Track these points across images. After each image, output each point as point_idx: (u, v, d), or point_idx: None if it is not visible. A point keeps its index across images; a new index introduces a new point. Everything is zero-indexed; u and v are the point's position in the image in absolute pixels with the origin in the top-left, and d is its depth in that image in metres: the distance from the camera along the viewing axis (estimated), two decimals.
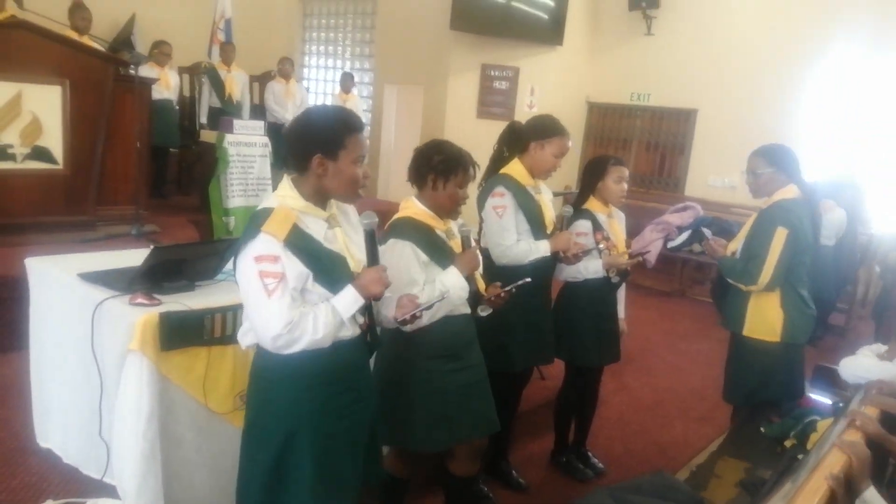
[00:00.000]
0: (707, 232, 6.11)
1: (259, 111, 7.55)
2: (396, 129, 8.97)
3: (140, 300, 2.25)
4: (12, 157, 4.43)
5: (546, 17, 8.18)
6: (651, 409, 4.31)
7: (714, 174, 8.19)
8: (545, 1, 8.11)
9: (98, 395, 2.33)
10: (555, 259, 2.95)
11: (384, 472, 2.18)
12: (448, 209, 2.31)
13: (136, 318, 2.14)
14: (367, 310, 1.89)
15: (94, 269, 2.51)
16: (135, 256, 2.45)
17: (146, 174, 5.33)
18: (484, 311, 2.40)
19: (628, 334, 3.92)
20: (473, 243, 2.38)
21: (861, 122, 7.12)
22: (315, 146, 1.78)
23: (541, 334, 3.02)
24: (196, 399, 2.28)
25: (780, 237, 2.84)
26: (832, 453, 1.75)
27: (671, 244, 6.50)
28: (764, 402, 3.02)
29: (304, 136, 1.82)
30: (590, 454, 3.50)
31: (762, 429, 2.79)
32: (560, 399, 3.37)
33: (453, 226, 2.36)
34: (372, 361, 2.11)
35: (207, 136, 6.34)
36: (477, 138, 3.18)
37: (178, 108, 6.90)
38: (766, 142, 3.17)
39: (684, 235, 6.52)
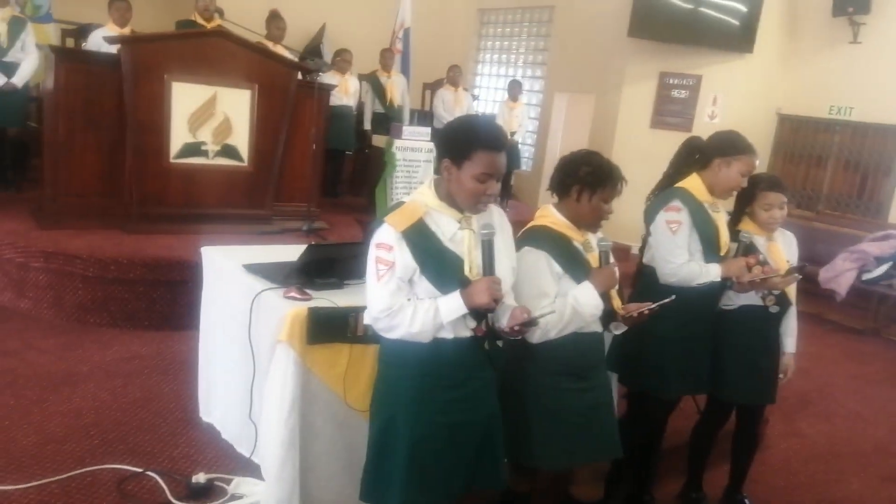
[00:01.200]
0: None
1: (424, 117, 7.77)
2: (563, 138, 8.82)
3: (293, 294, 2.36)
4: (205, 154, 4.89)
5: (736, 22, 7.64)
6: (824, 461, 3.81)
7: None
8: (736, 6, 7.58)
9: (251, 378, 2.49)
10: (724, 285, 2.72)
11: (503, 483, 2.12)
12: (589, 222, 2.21)
13: (287, 310, 2.25)
14: (483, 316, 1.87)
15: (260, 261, 2.69)
16: (298, 251, 2.59)
17: (320, 175, 5.66)
18: (617, 329, 2.26)
19: (805, 374, 3.52)
20: (612, 259, 2.24)
21: None
22: (445, 150, 1.86)
23: (699, 363, 2.80)
24: (336, 393, 2.35)
25: None
26: None
27: (867, 276, 5.80)
28: None
29: (444, 138, 1.92)
30: (746, 501, 3.17)
31: None
32: (694, 431, 3.11)
33: (592, 239, 2.24)
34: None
35: (378, 140, 6.64)
36: (649, 148, 3.03)
37: (356, 113, 7.28)
38: None
39: (884, 267, 5.80)
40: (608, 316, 2.23)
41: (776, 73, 8.21)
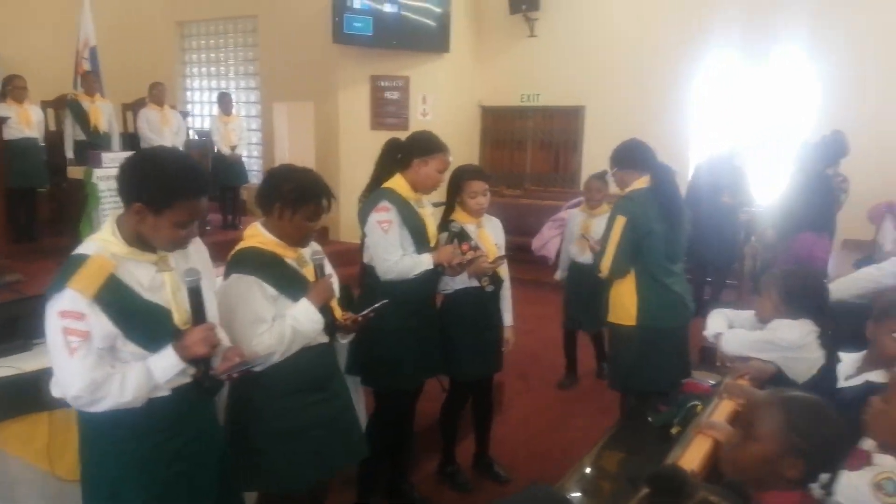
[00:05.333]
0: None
1: (134, 141, 7.15)
2: (290, 147, 8.74)
3: None
4: None
5: (433, 24, 8.19)
6: (555, 407, 4.33)
7: (606, 167, 8.40)
8: (431, 8, 8.12)
9: None
10: (437, 272, 2.92)
11: None
12: (295, 240, 2.16)
13: None
14: (202, 361, 1.75)
15: None
16: None
17: (2, 220, 4.91)
18: (344, 339, 2.31)
19: (531, 333, 3.99)
20: (329, 271, 2.27)
21: (738, 112, 7.50)
22: (138, 194, 1.65)
23: (431, 348, 2.98)
24: (42, 470, 2.07)
25: (619, 225, 3.03)
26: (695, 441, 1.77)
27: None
28: (650, 390, 3.07)
29: (136, 180, 1.68)
30: (493, 464, 3.47)
31: (650, 419, 2.81)
32: (442, 410, 3.32)
33: (306, 252, 2.22)
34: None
35: (75, 172, 5.93)
36: (373, 150, 3.15)
37: (43, 145, 6.44)
38: (651, 133, 3.33)
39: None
40: (333, 326, 2.25)
41: (473, 69, 9.02)
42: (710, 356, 3.23)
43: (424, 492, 3.22)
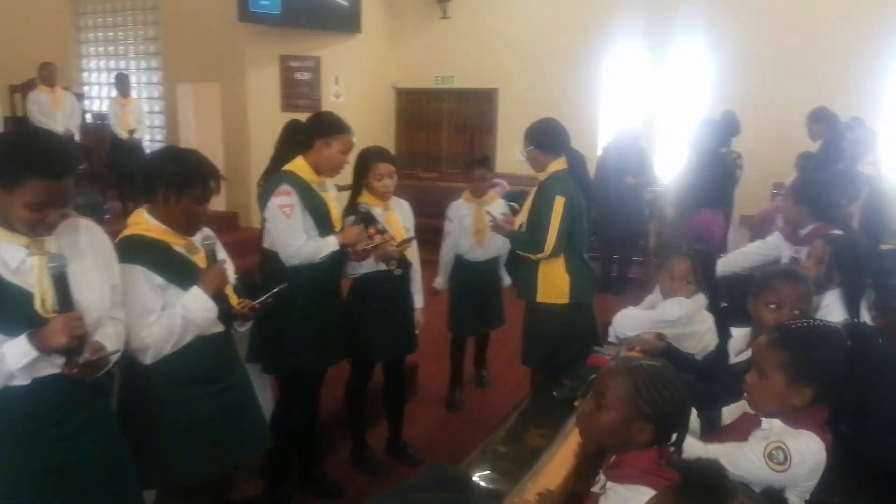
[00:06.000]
0: (514, 205, 6.36)
1: (20, 124, 6.70)
2: (196, 130, 8.39)
3: None
4: None
5: (344, 3, 8.02)
6: (468, 387, 4.38)
7: (520, 149, 8.51)
8: None
9: None
10: (343, 254, 2.88)
11: None
12: (183, 226, 2.07)
13: None
14: (72, 352, 1.65)
15: None
16: None
17: None
18: (241, 327, 2.25)
19: (447, 314, 4.01)
20: (221, 256, 2.20)
21: (642, 95, 7.76)
22: None
23: (336, 333, 2.94)
24: None
25: (558, 206, 3.07)
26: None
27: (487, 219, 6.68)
28: (556, 365, 3.16)
29: None
30: (407, 446, 3.48)
31: (555, 393, 2.89)
32: (346, 396, 3.30)
33: (196, 238, 2.14)
34: None
35: None
36: None
37: None
38: (562, 116, 3.37)
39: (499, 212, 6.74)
40: (229, 314, 2.19)
41: (386, 51, 8.93)
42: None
43: (336, 479, 3.20)
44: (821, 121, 5.34)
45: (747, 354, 2.14)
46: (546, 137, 3.19)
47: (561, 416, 2.71)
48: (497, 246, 3.90)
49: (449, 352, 4.22)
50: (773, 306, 2.09)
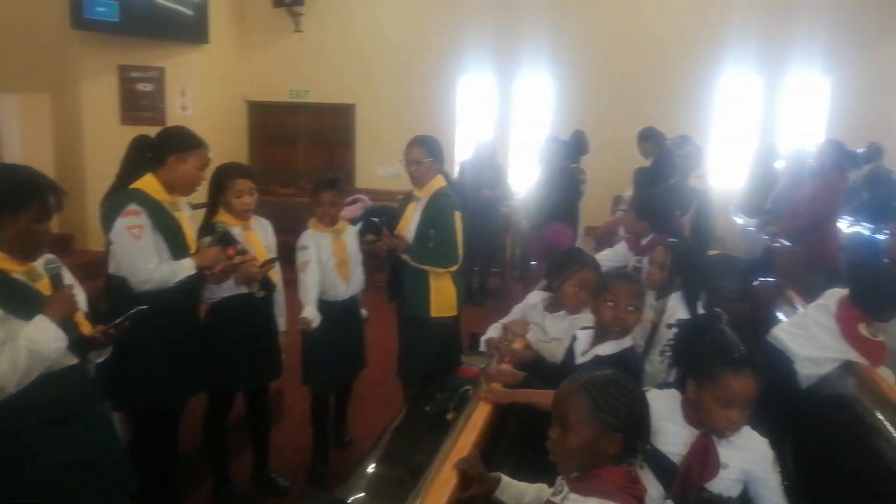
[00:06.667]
0: (376, 221, 6.36)
1: None
2: (23, 144, 7.60)
3: None
4: None
5: (190, 13, 7.64)
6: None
7: (379, 164, 8.56)
8: None
9: None
10: (199, 278, 2.72)
11: None
12: (23, 250, 1.88)
13: None
14: None
15: None
16: None
17: None
18: (97, 358, 2.06)
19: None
20: (69, 281, 2.01)
21: (496, 113, 8.10)
22: None
23: (194, 361, 2.78)
24: None
25: (457, 221, 3.22)
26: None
27: None
28: (427, 379, 3.19)
29: None
30: (275, 476, 3.34)
31: (427, 408, 2.90)
32: (205, 429, 3.12)
33: (38, 264, 1.94)
34: None
35: None
36: (124, 146, 2.83)
37: None
38: (421, 132, 3.41)
39: (357, 227, 6.70)
40: (83, 343, 2.00)
41: (236, 62, 8.61)
42: (476, 342, 3.45)
43: None
44: (649, 139, 5.85)
45: (590, 355, 2.27)
46: (441, 152, 3.30)
47: (437, 431, 2.74)
48: (360, 279, 3.51)
49: (310, 413, 3.54)
50: (610, 304, 2.24)
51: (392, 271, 3.50)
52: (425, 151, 3.23)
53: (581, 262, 2.68)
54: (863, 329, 2.47)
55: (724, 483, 1.73)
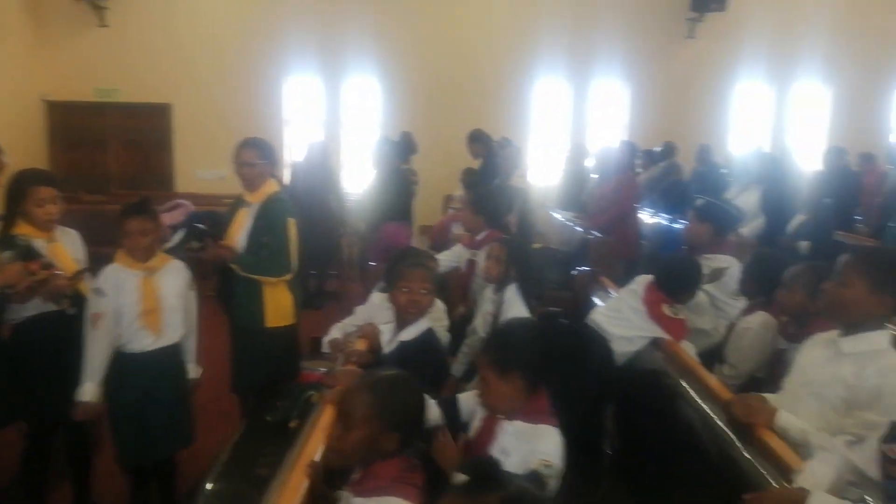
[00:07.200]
0: (202, 227, 6.02)
1: None
2: None
3: None
4: None
5: None
6: None
7: (202, 167, 8.13)
8: None
9: None
10: (2, 297, 2.44)
11: None
12: None
13: None
14: None
15: None
16: None
17: None
18: None
19: None
20: None
21: (325, 117, 8.01)
22: None
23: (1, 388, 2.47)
24: None
25: (292, 227, 3.09)
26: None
27: (166, 246, 6.20)
28: (266, 388, 3.09)
29: None
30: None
31: (268, 417, 2.82)
32: (24, 464, 2.82)
33: None
34: None
35: None
36: None
37: None
38: (247, 134, 3.26)
39: (179, 234, 6.30)
40: None
41: (31, 59, 7.76)
42: (318, 345, 3.40)
43: None
44: (477, 141, 6.13)
45: (396, 342, 2.38)
46: (274, 154, 3.20)
47: (280, 441, 2.67)
48: (177, 328, 2.79)
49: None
50: (405, 290, 2.37)
51: (221, 280, 3.29)
52: (258, 153, 3.09)
53: (416, 260, 2.74)
54: (666, 309, 2.79)
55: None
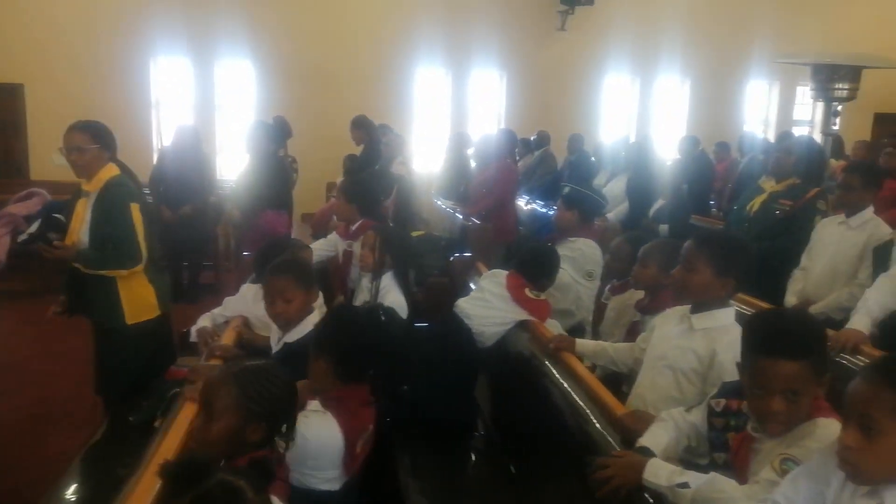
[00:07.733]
0: (60, 217, 5.62)
1: None
2: None
3: None
4: None
5: None
6: (27, 431, 3.77)
7: (59, 153, 7.53)
8: None
9: None
10: None
11: None
12: None
13: None
14: None
15: None
16: None
17: None
18: None
19: None
20: None
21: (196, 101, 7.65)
22: None
23: None
24: None
25: (135, 212, 2.88)
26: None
27: (21, 238, 5.75)
28: (130, 387, 2.96)
29: None
30: None
31: (130, 417, 2.70)
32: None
33: None
34: None
35: None
36: None
37: None
38: (109, 117, 3.11)
39: (35, 225, 5.84)
40: None
41: None
42: (188, 341, 3.28)
43: None
44: (360, 127, 6.10)
45: (281, 344, 2.36)
46: (109, 138, 2.94)
47: (144, 440, 2.56)
48: None
49: None
50: (268, 299, 2.35)
51: (70, 278, 3.05)
52: (89, 137, 2.86)
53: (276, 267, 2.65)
54: (528, 292, 2.92)
55: None
